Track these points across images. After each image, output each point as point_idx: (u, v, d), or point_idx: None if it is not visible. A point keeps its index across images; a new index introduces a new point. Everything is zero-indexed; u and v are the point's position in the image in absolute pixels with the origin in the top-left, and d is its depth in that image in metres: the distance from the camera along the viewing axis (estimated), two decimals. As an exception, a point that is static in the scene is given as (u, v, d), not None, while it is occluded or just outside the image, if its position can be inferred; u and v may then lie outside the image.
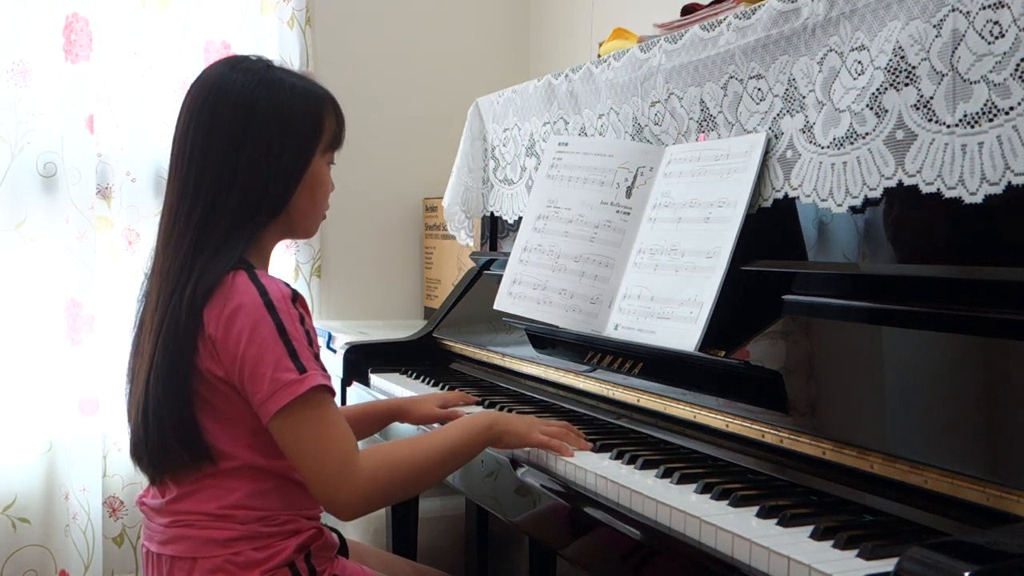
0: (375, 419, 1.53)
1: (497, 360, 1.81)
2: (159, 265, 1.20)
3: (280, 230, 1.25)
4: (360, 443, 1.20)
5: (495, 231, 2.21)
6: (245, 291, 1.13)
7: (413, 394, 1.70)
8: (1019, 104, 0.99)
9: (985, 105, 1.02)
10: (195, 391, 1.15)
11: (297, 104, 1.21)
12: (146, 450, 1.18)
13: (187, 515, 1.17)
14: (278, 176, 1.19)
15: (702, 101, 1.48)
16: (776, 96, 1.33)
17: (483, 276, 2.12)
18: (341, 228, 2.82)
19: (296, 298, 1.16)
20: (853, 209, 1.20)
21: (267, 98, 1.19)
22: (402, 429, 1.59)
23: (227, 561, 1.15)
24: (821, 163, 1.25)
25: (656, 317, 1.39)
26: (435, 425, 1.50)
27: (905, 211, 1.16)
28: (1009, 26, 0.99)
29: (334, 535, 1.30)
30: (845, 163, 1.21)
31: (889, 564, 0.77)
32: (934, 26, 1.07)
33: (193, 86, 1.22)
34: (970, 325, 1.00)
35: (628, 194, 1.57)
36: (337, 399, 1.97)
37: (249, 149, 1.18)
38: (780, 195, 1.32)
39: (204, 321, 1.13)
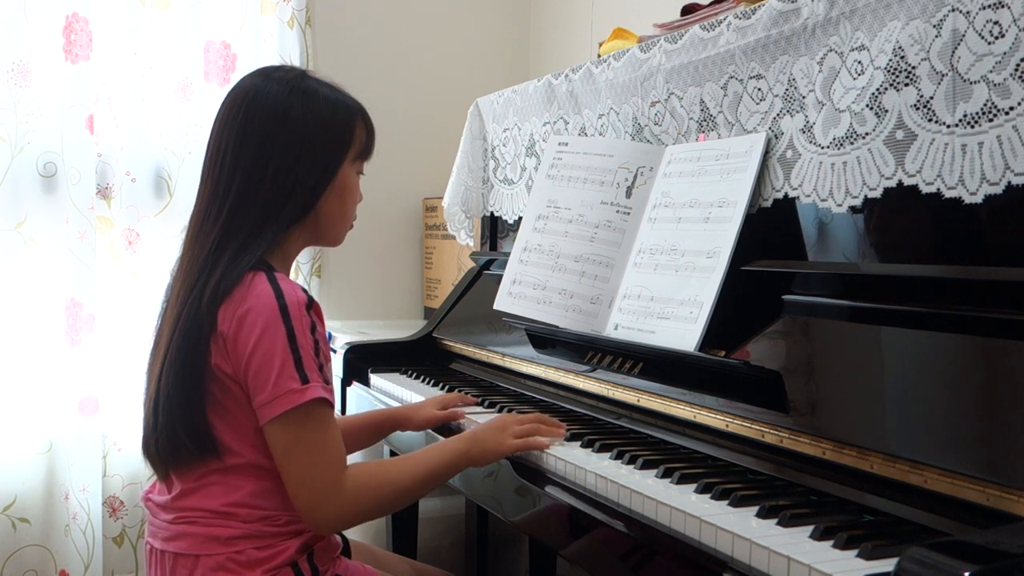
0: (377, 429, 1.53)
1: (497, 360, 1.81)
2: (184, 262, 1.22)
3: (307, 236, 1.27)
4: (359, 453, 1.21)
5: (495, 231, 2.21)
6: (261, 293, 1.15)
7: (413, 393, 1.70)
8: (1019, 104, 0.99)
9: (985, 105, 1.02)
10: (205, 386, 1.16)
11: (329, 112, 1.24)
12: (155, 442, 1.19)
13: (191, 512, 1.18)
14: (306, 180, 1.21)
15: (702, 101, 1.48)
16: (776, 96, 1.33)
17: (483, 276, 2.12)
18: (341, 228, 2.82)
19: (311, 305, 1.17)
20: (853, 209, 1.20)
21: (300, 106, 1.22)
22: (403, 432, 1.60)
23: (229, 559, 1.15)
24: (821, 163, 1.25)
25: (656, 317, 1.39)
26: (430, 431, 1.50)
27: (905, 211, 1.16)
28: (1009, 26, 0.99)
29: (337, 536, 1.30)
30: (845, 163, 1.21)
31: (889, 564, 0.77)
32: (934, 26, 1.07)
33: (227, 96, 1.25)
34: (970, 325, 1.00)
35: (628, 194, 1.57)
36: (336, 404, 1.99)
37: (279, 153, 1.20)
38: (780, 195, 1.32)
39: (218, 319, 1.15)
